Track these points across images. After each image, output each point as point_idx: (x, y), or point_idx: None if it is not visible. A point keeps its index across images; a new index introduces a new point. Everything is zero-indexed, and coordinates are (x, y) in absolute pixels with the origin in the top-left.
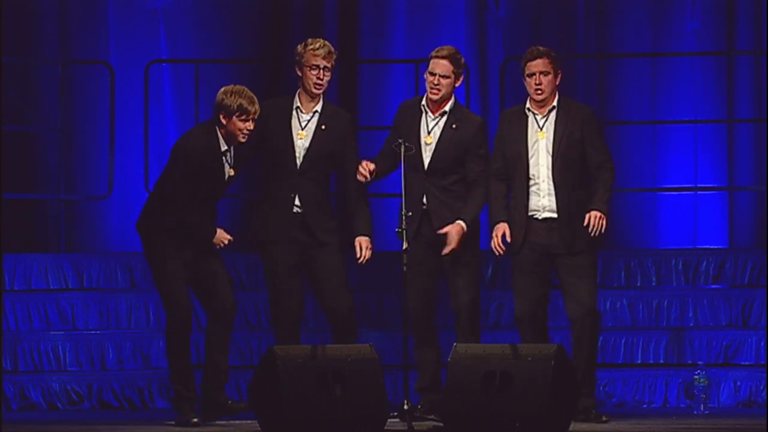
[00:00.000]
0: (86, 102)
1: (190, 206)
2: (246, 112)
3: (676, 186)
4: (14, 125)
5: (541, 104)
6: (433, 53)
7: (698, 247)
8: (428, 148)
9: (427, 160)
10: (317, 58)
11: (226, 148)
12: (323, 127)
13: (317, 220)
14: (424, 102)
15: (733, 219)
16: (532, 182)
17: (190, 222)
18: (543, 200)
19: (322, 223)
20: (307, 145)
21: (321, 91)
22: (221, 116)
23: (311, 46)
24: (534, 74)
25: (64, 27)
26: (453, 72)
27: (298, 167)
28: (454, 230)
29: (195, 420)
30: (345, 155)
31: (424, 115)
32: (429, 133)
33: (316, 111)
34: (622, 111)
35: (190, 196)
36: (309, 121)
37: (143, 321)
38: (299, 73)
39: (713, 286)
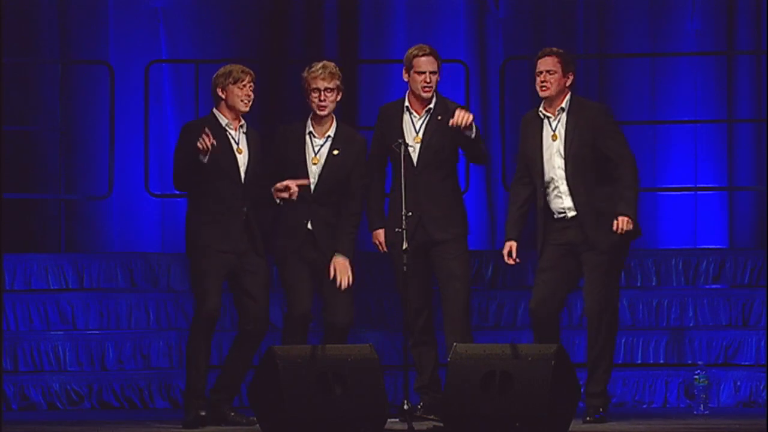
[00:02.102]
0: (86, 102)
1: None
2: (240, 78)
3: (676, 186)
4: (14, 125)
5: (549, 104)
6: (416, 52)
7: (698, 247)
8: (418, 147)
9: (416, 159)
10: (317, 80)
11: (227, 121)
12: (335, 152)
13: (329, 243)
14: (407, 104)
15: (733, 219)
16: (551, 186)
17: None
18: (565, 202)
19: (333, 245)
20: (319, 171)
21: (325, 113)
22: (219, 91)
23: (311, 69)
24: (541, 72)
25: (64, 27)
26: (438, 67)
27: (311, 193)
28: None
29: (203, 414)
30: (352, 176)
31: (408, 116)
32: (417, 133)
33: (329, 136)
34: (622, 111)
35: (198, 162)
36: (322, 146)
37: (143, 321)
38: (307, 99)
39: (713, 286)
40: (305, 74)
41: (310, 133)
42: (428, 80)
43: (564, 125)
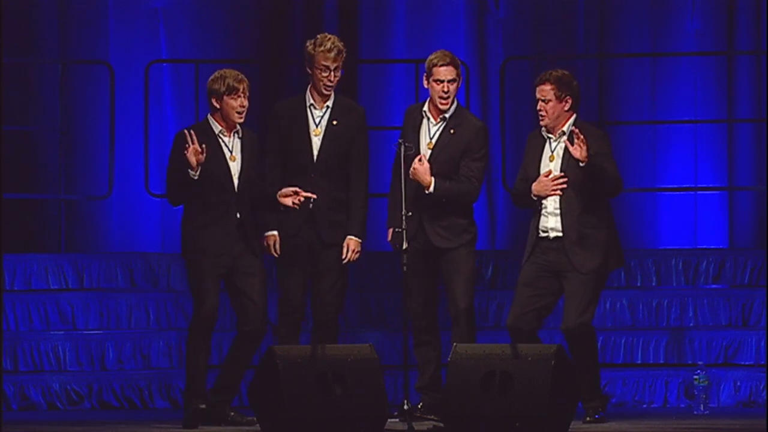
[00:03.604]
0: (86, 102)
1: (188, 189)
2: (234, 89)
3: (676, 186)
4: (14, 125)
5: (550, 128)
6: (436, 61)
7: (698, 247)
8: (428, 154)
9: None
10: (328, 60)
11: (220, 128)
12: (335, 122)
13: (328, 218)
14: (426, 108)
15: (733, 219)
16: (542, 205)
17: (176, 187)
18: (549, 222)
19: (332, 222)
20: (320, 141)
21: (329, 92)
22: (214, 101)
23: (321, 47)
24: (538, 100)
25: (64, 27)
26: (458, 75)
27: (314, 164)
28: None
29: (202, 407)
30: (351, 150)
31: (425, 121)
32: (431, 139)
33: (328, 106)
34: (622, 111)
35: (188, 178)
36: (322, 117)
37: (143, 321)
38: (309, 72)
39: (713, 286)
40: (312, 50)
41: (311, 105)
42: (446, 89)
43: (563, 148)
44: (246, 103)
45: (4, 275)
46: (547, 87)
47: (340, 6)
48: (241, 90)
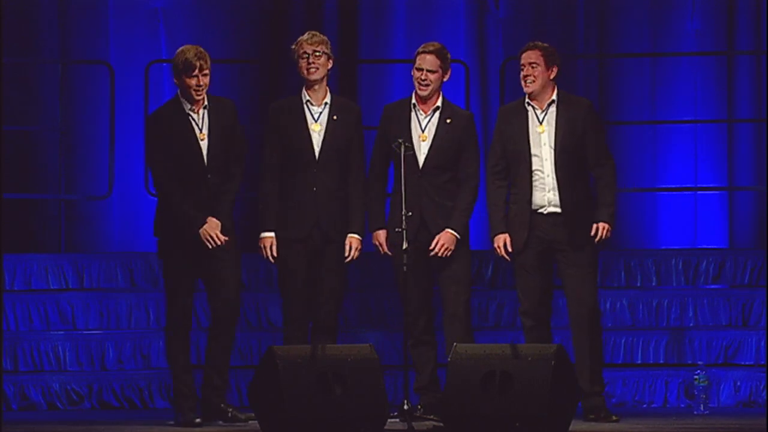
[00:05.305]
0: (86, 102)
1: (168, 176)
2: (190, 67)
3: (676, 186)
4: (14, 125)
5: (536, 97)
6: (420, 49)
7: (698, 247)
8: (423, 146)
9: (422, 159)
10: (303, 45)
11: (190, 107)
12: (335, 117)
13: (331, 215)
14: (413, 101)
15: (733, 219)
16: (535, 177)
17: (167, 190)
18: (548, 195)
19: (335, 218)
20: (322, 136)
21: (315, 77)
22: (175, 79)
23: (298, 39)
24: (524, 66)
25: (64, 27)
26: (440, 67)
27: (316, 159)
28: (446, 240)
29: (198, 420)
30: (350, 148)
31: (414, 113)
32: (423, 131)
33: (327, 102)
34: (622, 111)
35: (164, 162)
36: (321, 113)
37: (143, 321)
38: (298, 69)
39: (713, 286)
40: (294, 46)
41: (308, 101)
42: (423, 77)
43: (554, 117)
44: (205, 81)
45: (4, 275)
46: (536, 52)
47: (340, 6)
48: (197, 68)
